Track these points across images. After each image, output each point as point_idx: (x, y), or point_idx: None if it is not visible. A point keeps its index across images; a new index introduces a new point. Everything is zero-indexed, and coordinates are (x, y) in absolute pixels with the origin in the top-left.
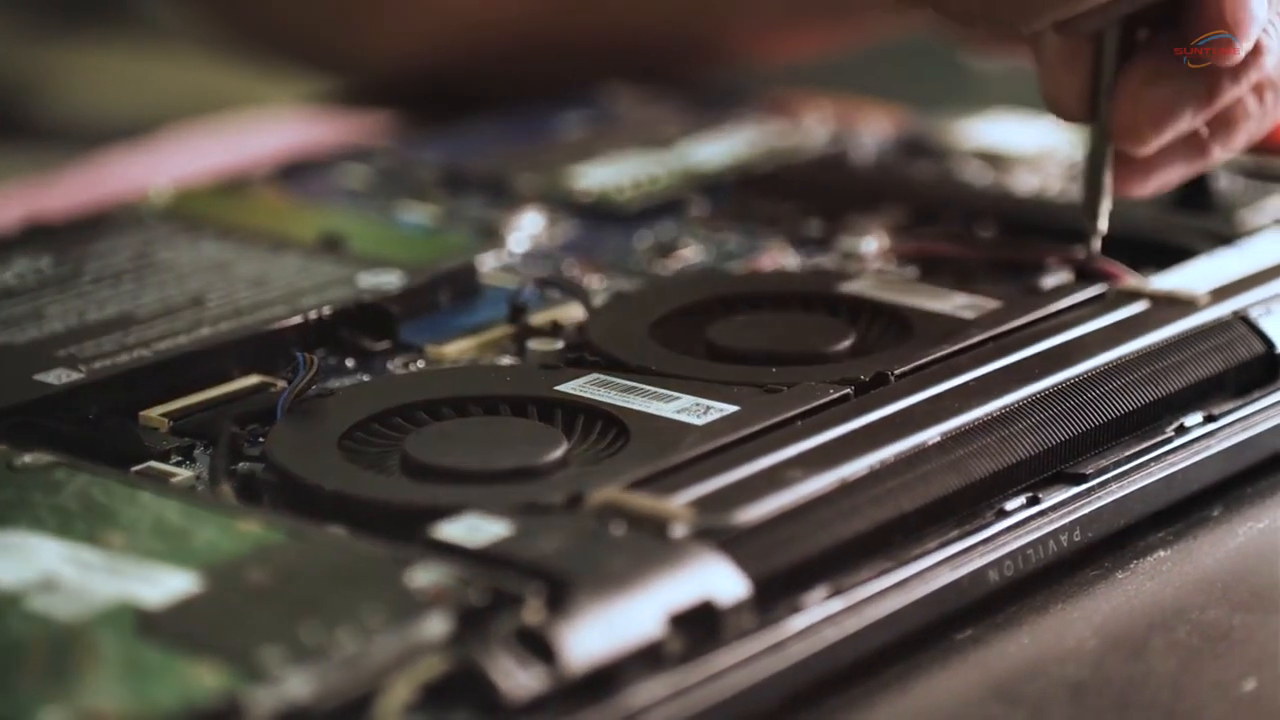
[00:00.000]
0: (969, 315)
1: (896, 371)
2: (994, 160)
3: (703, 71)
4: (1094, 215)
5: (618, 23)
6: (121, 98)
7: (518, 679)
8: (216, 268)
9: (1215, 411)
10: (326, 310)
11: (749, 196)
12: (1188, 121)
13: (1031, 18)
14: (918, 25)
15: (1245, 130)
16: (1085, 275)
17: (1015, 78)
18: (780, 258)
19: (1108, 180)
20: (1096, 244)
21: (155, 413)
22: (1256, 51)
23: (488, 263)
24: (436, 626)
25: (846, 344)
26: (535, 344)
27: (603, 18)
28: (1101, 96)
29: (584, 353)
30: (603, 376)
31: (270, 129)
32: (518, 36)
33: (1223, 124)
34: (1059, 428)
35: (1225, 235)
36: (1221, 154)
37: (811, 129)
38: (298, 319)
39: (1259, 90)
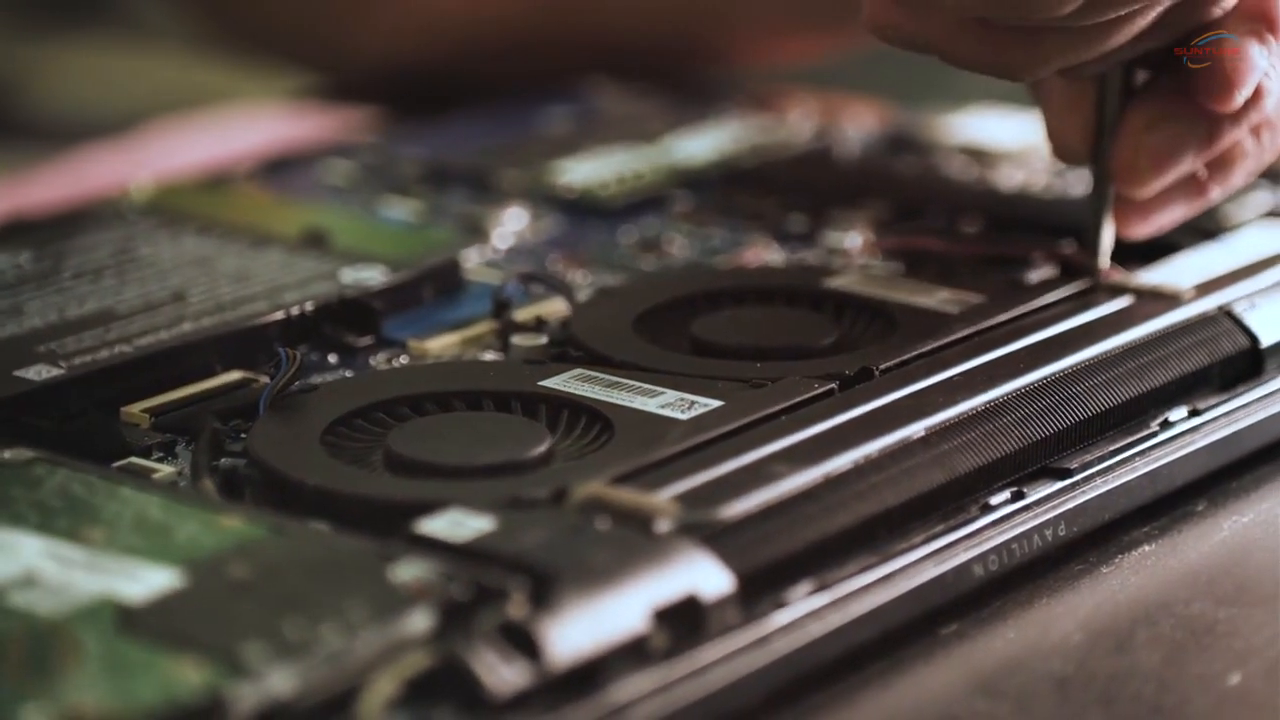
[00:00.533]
0: (953, 310)
1: (881, 366)
2: (978, 155)
3: (695, 74)
4: (1096, 253)
5: (610, 26)
6: (103, 93)
7: (502, 674)
8: (198, 263)
9: (1200, 406)
10: (309, 306)
11: (733, 192)
12: (1188, 164)
13: (1039, 68)
14: None
15: (1243, 169)
16: (1070, 270)
17: None
18: (764, 253)
19: (1109, 218)
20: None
21: (137, 408)
22: (1257, 94)
23: (471, 258)
24: (420, 622)
25: (831, 339)
26: (519, 339)
27: (595, 21)
28: (1103, 137)
29: (568, 348)
30: (587, 371)
31: (253, 124)
32: (507, 36)
33: (1221, 164)
34: (1044, 422)
35: (1210, 230)
36: (1220, 194)
37: (796, 124)
38: (280, 314)
39: (1256, 130)
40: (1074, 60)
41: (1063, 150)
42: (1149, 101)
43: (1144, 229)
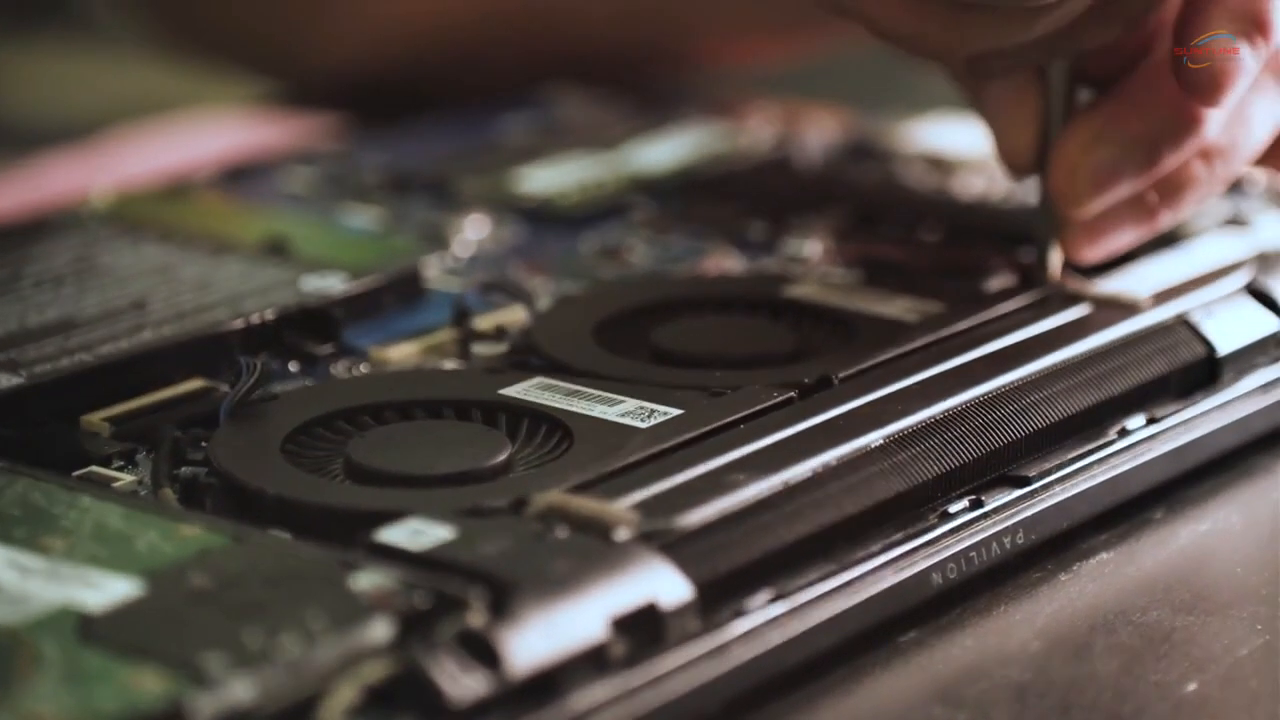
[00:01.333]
0: (912, 318)
1: (840, 375)
2: (938, 163)
3: (657, 78)
4: (1047, 262)
5: (571, 31)
6: (63, 100)
7: (461, 683)
8: (159, 271)
9: (1157, 414)
10: (270, 314)
11: (694, 199)
12: (1127, 188)
13: (960, 46)
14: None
15: (1194, 195)
16: (1028, 279)
17: None
18: (724, 261)
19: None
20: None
21: (97, 417)
22: (1195, 120)
23: (432, 266)
24: (380, 631)
25: (790, 348)
26: (479, 347)
27: (555, 25)
28: (1050, 147)
29: (528, 356)
30: (547, 380)
31: (213, 131)
32: (466, 41)
33: (1171, 189)
34: (1002, 431)
35: (1167, 239)
36: (1170, 219)
37: (757, 132)
38: (240, 323)
39: (1206, 156)
40: (996, 43)
41: (1009, 163)
42: (1087, 122)
43: (1091, 253)
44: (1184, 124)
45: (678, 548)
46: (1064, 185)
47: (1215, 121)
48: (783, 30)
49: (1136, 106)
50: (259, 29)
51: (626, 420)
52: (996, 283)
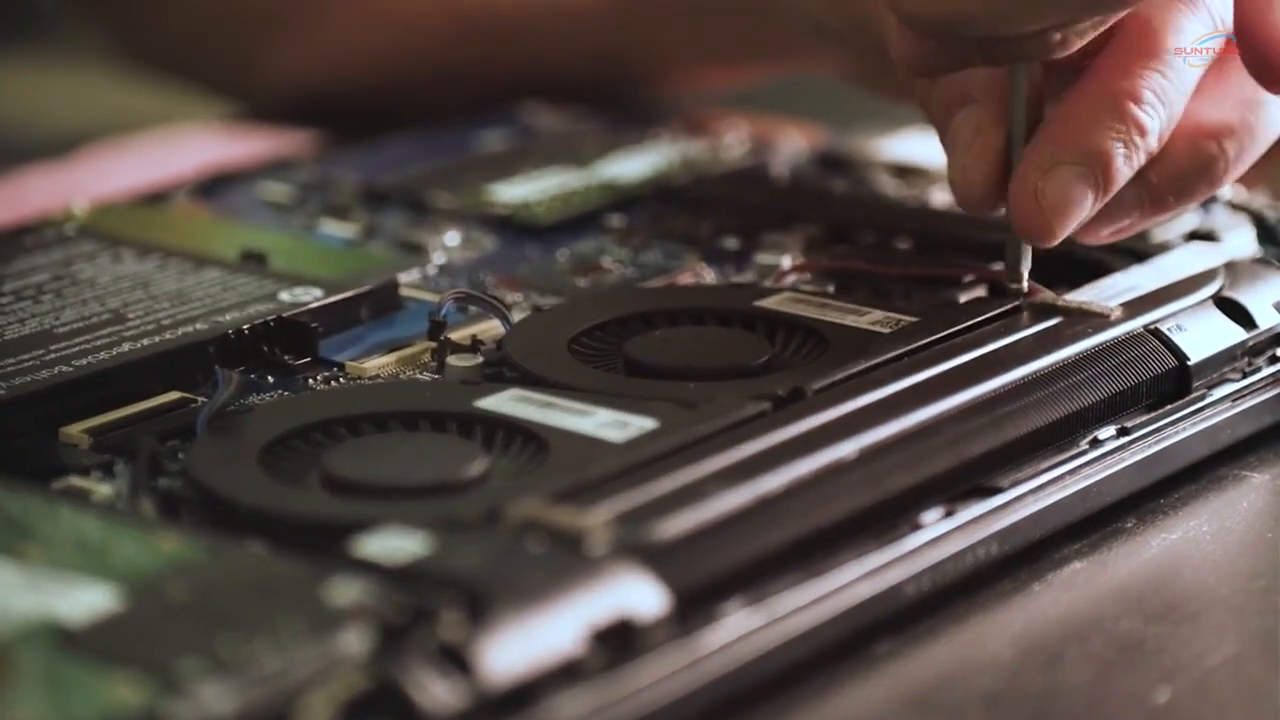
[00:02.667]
0: (884, 330)
1: (813, 387)
2: (909, 176)
3: (625, 98)
4: (1015, 277)
5: (528, 56)
6: (42, 116)
7: (436, 695)
8: (137, 284)
9: (1128, 425)
10: (247, 326)
11: (667, 212)
12: (1090, 206)
13: (1026, 21)
14: (829, 67)
15: (1207, 177)
16: (1000, 290)
17: None
18: (698, 273)
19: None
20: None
21: (76, 429)
22: (1142, 129)
23: (408, 279)
24: (355, 642)
25: (763, 360)
26: (454, 359)
27: (513, 52)
28: (1015, 154)
29: (503, 368)
30: (522, 392)
31: (191, 146)
32: (425, 67)
33: (1178, 173)
34: (974, 441)
35: (1138, 251)
36: (1179, 206)
37: (729, 147)
38: (218, 335)
39: (1217, 136)
40: (1064, 14)
41: (963, 193)
42: (1042, 147)
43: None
44: (1132, 134)
45: (652, 559)
46: (1030, 212)
47: (1154, 133)
48: (738, 61)
49: (1083, 122)
50: (210, 52)
51: (601, 432)
52: (968, 294)
